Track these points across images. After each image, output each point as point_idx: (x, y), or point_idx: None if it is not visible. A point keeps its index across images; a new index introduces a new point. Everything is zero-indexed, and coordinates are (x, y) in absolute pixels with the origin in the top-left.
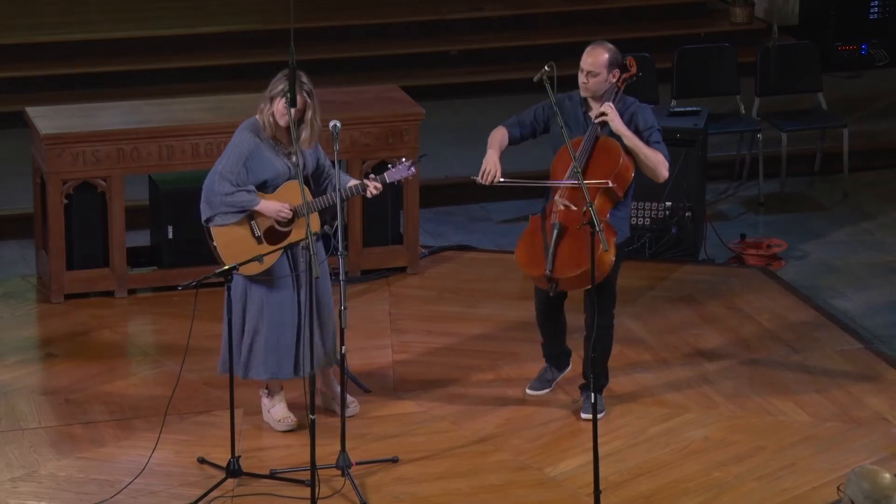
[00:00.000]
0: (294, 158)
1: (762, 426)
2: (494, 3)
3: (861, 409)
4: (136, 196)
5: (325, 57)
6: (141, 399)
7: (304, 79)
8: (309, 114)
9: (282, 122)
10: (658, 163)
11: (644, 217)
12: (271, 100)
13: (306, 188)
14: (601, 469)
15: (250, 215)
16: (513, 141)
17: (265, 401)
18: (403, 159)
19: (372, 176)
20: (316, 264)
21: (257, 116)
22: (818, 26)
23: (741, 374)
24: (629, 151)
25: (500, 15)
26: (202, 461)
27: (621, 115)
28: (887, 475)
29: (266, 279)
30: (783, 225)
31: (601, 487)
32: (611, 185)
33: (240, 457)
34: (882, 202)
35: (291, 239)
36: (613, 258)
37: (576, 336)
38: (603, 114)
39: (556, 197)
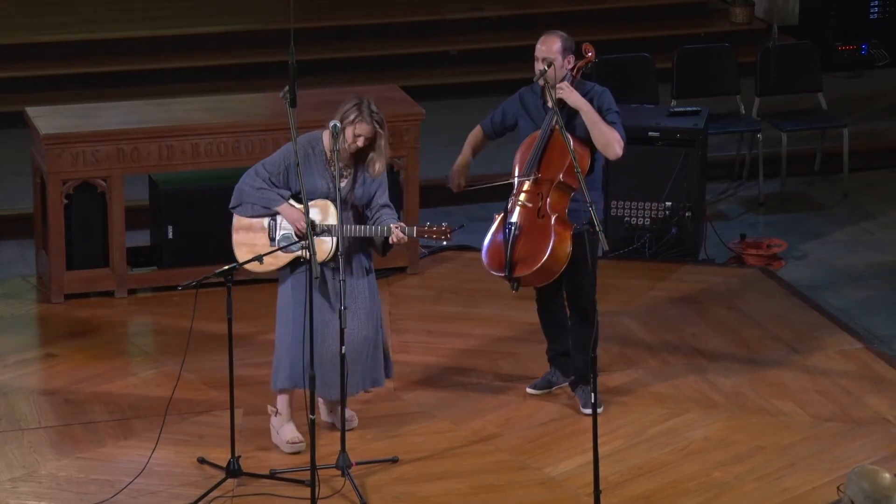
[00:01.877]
0: (343, 182)
1: (762, 426)
2: (494, 3)
3: (861, 409)
4: (136, 196)
5: (325, 57)
6: (141, 399)
7: (375, 107)
8: (381, 141)
9: (351, 149)
10: (613, 140)
11: (644, 217)
12: (342, 122)
13: (331, 208)
14: (601, 469)
15: (273, 216)
16: (486, 134)
17: (274, 421)
18: (444, 224)
19: (401, 225)
20: (316, 264)
21: (323, 135)
22: (818, 26)
23: (741, 374)
24: (584, 139)
25: (500, 15)
26: (202, 461)
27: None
28: (887, 475)
29: (291, 289)
30: (783, 225)
31: (601, 487)
32: (561, 178)
33: (240, 457)
34: (882, 202)
35: (301, 253)
36: (569, 251)
37: None
38: (561, 89)
39: (518, 198)
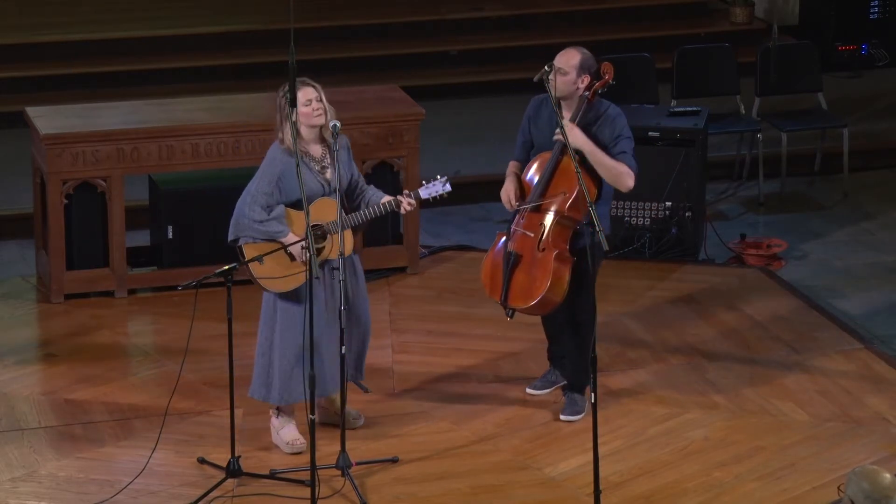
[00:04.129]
0: (328, 174)
1: (762, 426)
2: (494, 3)
3: (861, 409)
4: (136, 196)
5: (325, 57)
6: (141, 399)
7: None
8: (323, 96)
9: (314, 122)
10: (620, 174)
11: (644, 217)
12: (291, 109)
13: (335, 203)
14: (601, 469)
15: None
16: (523, 162)
17: (274, 421)
18: (438, 176)
19: (406, 192)
20: (315, 265)
21: (277, 141)
22: (818, 26)
23: (741, 374)
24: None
25: (500, 15)
26: (202, 461)
27: (593, 122)
28: (887, 475)
29: (297, 298)
30: (783, 225)
31: (601, 487)
32: (565, 212)
33: (240, 457)
34: (882, 202)
35: (323, 255)
36: (566, 287)
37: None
38: (557, 133)
39: (519, 225)
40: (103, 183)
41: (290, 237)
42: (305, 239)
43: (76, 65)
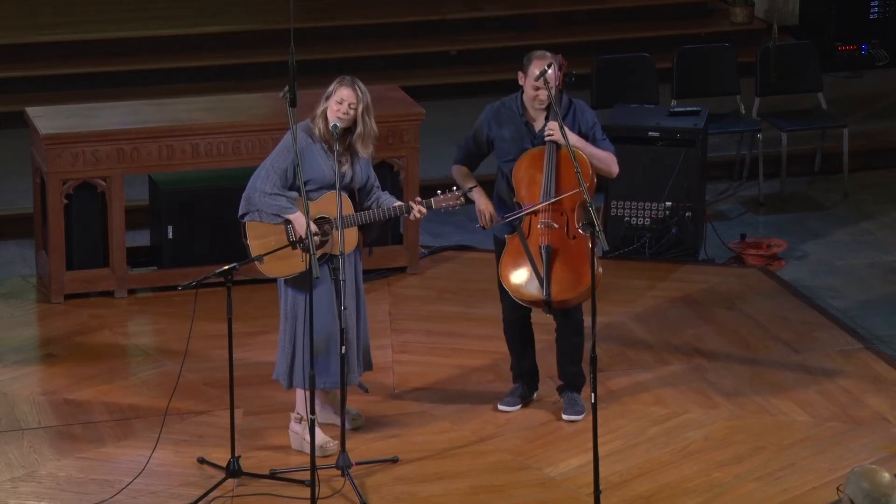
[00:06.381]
0: (345, 168)
1: (762, 426)
2: (494, 3)
3: (861, 409)
4: (136, 196)
5: (325, 57)
6: (141, 399)
7: (359, 81)
8: (360, 107)
9: (334, 120)
10: (610, 163)
11: (644, 217)
12: (326, 99)
13: (348, 200)
14: (601, 469)
15: (286, 219)
16: (470, 167)
17: (297, 427)
18: (455, 189)
19: (418, 199)
20: (315, 265)
21: (312, 122)
22: (818, 26)
23: (741, 374)
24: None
25: (499, 15)
26: (202, 461)
27: (565, 116)
28: (886, 474)
29: (306, 288)
30: (783, 225)
31: (601, 487)
32: (586, 196)
33: (240, 457)
34: (882, 202)
35: (326, 249)
36: (600, 269)
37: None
38: (550, 134)
39: (540, 220)
40: (103, 183)
41: (297, 216)
42: (306, 238)
43: (76, 65)
